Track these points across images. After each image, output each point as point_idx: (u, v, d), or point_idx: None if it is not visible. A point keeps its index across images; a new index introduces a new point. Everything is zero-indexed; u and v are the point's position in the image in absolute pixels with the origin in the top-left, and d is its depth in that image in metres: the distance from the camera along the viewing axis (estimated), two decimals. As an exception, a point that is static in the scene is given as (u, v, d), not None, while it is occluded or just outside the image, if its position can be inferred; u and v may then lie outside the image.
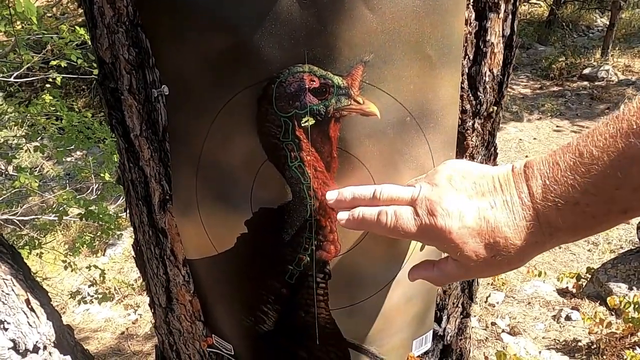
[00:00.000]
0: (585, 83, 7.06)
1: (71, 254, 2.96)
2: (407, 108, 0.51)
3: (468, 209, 0.43)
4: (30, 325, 0.66)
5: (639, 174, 0.34)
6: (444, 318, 0.70)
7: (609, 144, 0.35)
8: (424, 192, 0.45)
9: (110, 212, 2.60)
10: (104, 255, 4.64)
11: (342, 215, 0.50)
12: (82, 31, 2.30)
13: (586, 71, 7.20)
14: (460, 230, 0.42)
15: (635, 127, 0.34)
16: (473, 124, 0.60)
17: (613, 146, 0.35)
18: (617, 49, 7.71)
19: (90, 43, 0.62)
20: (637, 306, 2.36)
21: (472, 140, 0.61)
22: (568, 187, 0.37)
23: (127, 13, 0.54)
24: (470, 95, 0.58)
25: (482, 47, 0.56)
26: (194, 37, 0.49)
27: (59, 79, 2.64)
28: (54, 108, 2.54)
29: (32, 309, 0.68)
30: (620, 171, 0.35)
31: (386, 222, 0.46)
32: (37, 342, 0.68)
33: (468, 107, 0.58)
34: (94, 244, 3.29)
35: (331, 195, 0.51)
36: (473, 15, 0.54)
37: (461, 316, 0.74)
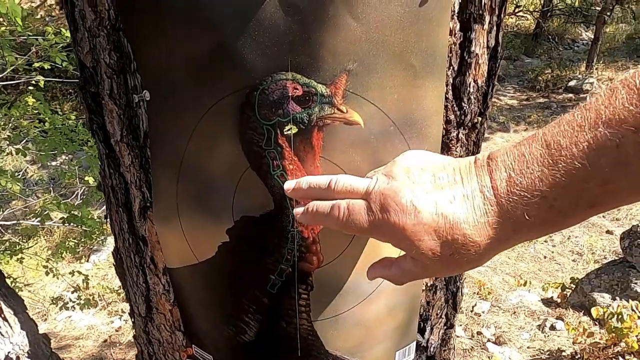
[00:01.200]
0: (571, 95, 7.18)
1: (54, 259, 2.91)
2: (390, 117, 0.50)
3: (424, 204, 0.40)
4: (2, 335, 0.64)
5: (608, 166, 0.32)
6: (428, 329, 0.70)
7: (577, 135, 0.33)
8: (379, 185, 0.43)
9: (95, 217, 2.56)
10: (87, 261, 4.57)
11: (298, 210, 0.48)
12: (67, 33, 2.28)
13: (571, 83, 7.32)
14: (415, 227, 0.40)
15: (604, 116, 0.32)
16: (457, 135, 0.60)
17: (582, 137, 0.33)
18: (601, 62, 7.86)
19: (72, 47, 0.61)
20: (620, 316, 2.38)
21: (456, 151, 0.61)
22: (535, 180, 0.35)
23: (109, 17, 0.53)
24: (455, 105, 0.58)
25: (466, 58, 0.56)
26: (176, 42, 0.49)
27: (41, 82, 2.60)
28: (37, 111, 2.50)
29: (4, 319, 0.66)
30: (589, 163, 0.33)
31: (338, 216, 0.44)
32: (9, 352, 0.66)
33: (452, 117, 0.58)
34: (78, 250, 3.24)
35: (288, 185, 0.49)
36: (458, 26, 0.54)
37: (445, 327, 0.74)
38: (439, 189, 0.40)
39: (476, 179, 0.39)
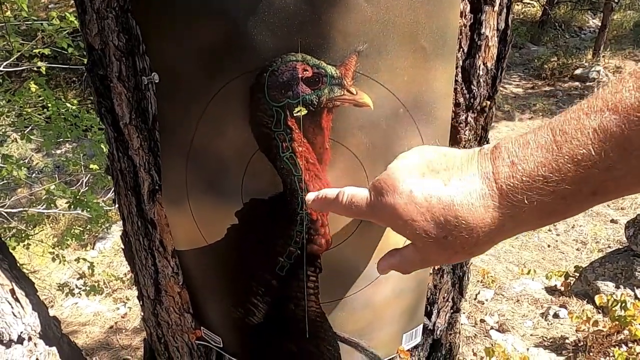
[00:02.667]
0: (577, 83, 7.11)
1: (60, 246, 2.93)
2: (400, 99, 0.50)
3: (418, 186, 0.40)
4: (15, 316, 0.65)
5: (612, 151, 0.32)
6: (434, 312, 0.70)
7: (582, 121, 0.33)
8: (379, 176, 0.44)
9: (99, 202, 2.58)
10: (93, 249, 4.60)
11: (310, 196, 0.50)
12: (72, 18, 2.26)
13: (578, 72, 7.25)
14: (407, 206, 0.40)
15: (610, 103, 0.32)
16: (466, 118, 0.60)
17: (587, 123, 0.33)
18: (608, 50, 7.77)
19: (80, 30, 0.61)
20: (623, 304, 2.39)
21: (465, 134, 0.60)
22: (538, 165, 0.35)
23: (117, -2, 0.53)
24: (464, 88, 0.58)
25: (476, 40, 0.56)
26: (185, 24, 0.49)
27: (43, 68, 2.59)
28: (41, 98, 2.50)
29: (16, 299, 0.66)
30: (593, 148, 0.33)
31: (342, 201, 0.46)
32: (21, 332, 0.67)
33: (462, 100, 0.58)
34: (83, 238, 3.26)
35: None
36: (468, 8, 0.54)
37: (451, 311, 0.74)
38: (434, 174, 0.41)
39: (477, 165, 0.39)
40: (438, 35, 0.50)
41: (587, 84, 7.00)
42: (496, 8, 0.56)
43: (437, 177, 0.40)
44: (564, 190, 0.35)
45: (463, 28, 0.54)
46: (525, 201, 0.36)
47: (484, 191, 0.38)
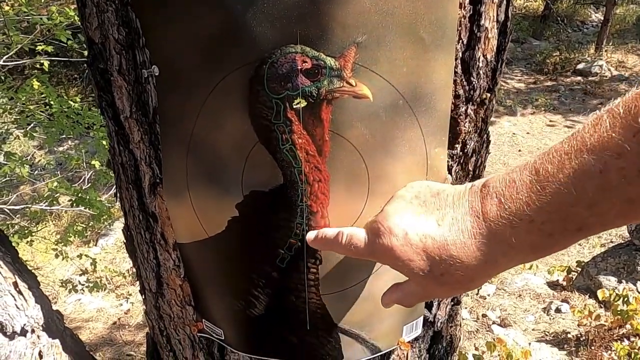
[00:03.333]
0: (579, 78, 7.09)
1: (62, 243, 2.94)
2: (399, 91, 0.50)
3: (413, 227, 0.42)
4: (18, 308, 0.65)
5: (592, 191, 0.33)
6: (435, 304, 0.70)
7: (563, 161, 0.35)
8: (376, 216, 0.46)
9: (102, 199, 2.58)
10: (95, 245, 4.62)
11: (310, 235, 0.53)
12: (71, 12, 2.26)
13: (580, 66, 7.23)
14: (403, 247, 0.42)
15: (588, 143, 0.33)
16: (466, 110, 0.60)
17: (567, 163, 0.34)
18: (611, 44, 7.74)
19: (80, 24, 0.61)
20: (625, 299, 2.39)
21: (464, 126, 0.60)
22: (523, 204, 0.37)
23: (117, -9, 0.53)
24: (464, 80, 0.58)
25: (476, 31, 0.56)
26: (185, 16, 0.49)
27: (46, 64, 2.60)
28: (43, 95, 2.50)
29: (19, 292, 0.67)
30: (574, 188, 0.34)
31: (341, 241, 0.48)
32: (24, 324, 0.67)
33: (461, 92, 0.58)
34: (86, 234, 3.27)
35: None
36: (467, -1, 0.54)
37: (452, 303, 0.75)
38: (428, 214, 0.43)
39: (468, 204, 0.41)
40: (437, 26, 0.50)
41: (590, 78, 6.97)
42: (496, 0, 0.56)
43: (430, 217, 0.43)
44: (550, 228, 0.36)
45: (462, 19, 0.54)
46: (514, 240, 0.38)
47: (474, 230, 0.39)
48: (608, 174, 0.32)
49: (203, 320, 0.69)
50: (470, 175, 0.66)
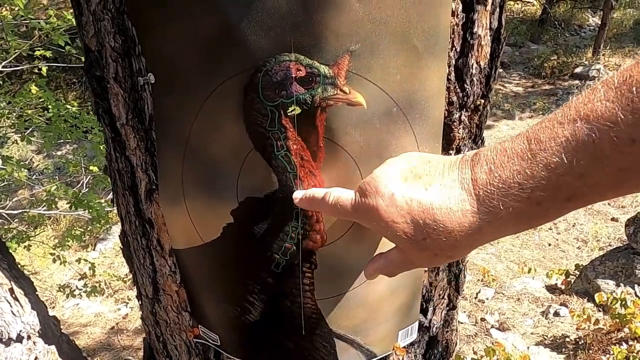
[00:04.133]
0: (577, 82, 7.11)
1: (61, 247, 2.94)
2: (393, 98, 0.51)
3: (399, 189, 0.42)
4: (14, 315, 0.65)
5: (584, 159, 0.33)
6: (430, 309, 0.70)
7: (556, 130, 0.35)
8: (366, 178, 0.46)
9: (100, 201, 2.59)
10: (94, 249, 4.61)
11: (297, 194, 0.52)
12: (69, 16, 2.26)
13: (578, 70, 7.25)
14: (388, 208, 0.42)
15: (582, 112, 0.33)
16: (460, 116, 0.60)
17: (560, 132, 0.34)
18: (608, 48, 7.77)
19: (77, 32, 0.62)
20: (623, 302, 2.39)
21: (459, 133, 0.61)
22: (513, 172, 0.36)
23: (113, 0, 0.53)
24: (457, 87, 0.58)
25: (469, 39, 0.56)
26: (180, 24, 0.49)
27: (44, 69, 2.60)
28: (41, 99, 2.51)
29: (15, 298, 0.67)
30: (566, 156, 0.34)
31: (328, 200, 0.48)
32: (20, 331, 0.67)
33: (455, 99, 0.58)
34: (84, 239, 3.27)
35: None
36: (460, 7, 0.54)
37: (447, 308, 0.75)
38: (416, 178, 0.43)
39: (457, 171, 0.41)
40: (430, 34, 0.50)
41: (587, 82, 6.99)
42: (489, 7, 0.57)
43: (418, 182, 0.42)
44: (539, 196, 0.36)
45: (455, 27, 0.55)
46: (501, 207, 0.37)
47: (462, 196, 0.39)
48: (601, 143, 0.32)
49: (199, 326, 0.69)
50: (464, 181, 0.66)
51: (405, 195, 0.42)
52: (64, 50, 2.44)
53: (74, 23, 0.64)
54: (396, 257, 0.47)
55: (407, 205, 0.41)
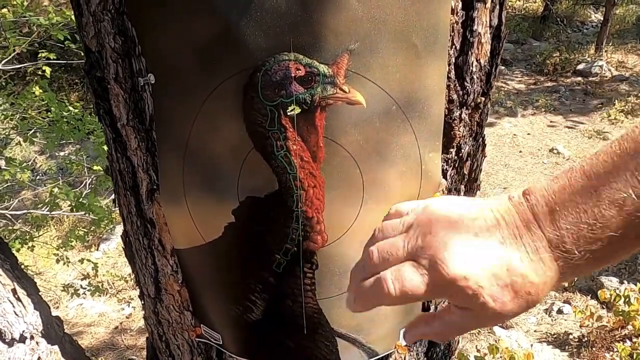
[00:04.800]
0: (579, 78, 7.08)
1: (64, 248, 2.95)
2: (392, 97, 0.51)
3: (476, 249, 0.37)
4: (17, 315, 0.66)
5: None
6: (432, 308, 0.70)
7: (617, 164, 0.32)
8: (420, 242, 0.39)
9: (102, 205, 2.59)
10: (97, 250, 4.62)
11: (349, 299, 0.44)
12: (68, 12, 2.25)
13: (580, 67, 7.22)
14: (473, 275, 0.36)
15: None
16: (460, 114, 0.60)
17: (623, 166, 0.32)
18: (611, 44, 7.74)
19: (78, 33, 0.62)
20: (627, 299, 2.38)
21: (459, 131, 0.61)
22: (580, 212, 0.34)
23: (113, 1, 0.53)
24: (457, 85, 0.58)
25: (469, 37, 0.56)
26: (180, 24, 0.49)
27: (47, 71, 2.60)
28: (44, 101, 2.51)
29: (18, 299, 0.67)
30: (634, 191, 0.32)
31: (389, 292, 0.38)
32: (23, 331, 0.68)
33: (455, 97, 0.58)
34: (87, 239, 3.28)
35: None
36: (460, 5, 0.54)
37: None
38: (485, 232, 0.38)
39: (518, 217, 0.37)
40: (429, 32, 0.50)
41: (590, 78, 6.97)
42: (488, 5, 0.56)
43: (491, 237, 0.37)
44: (610, 237, 0.34)
45: (455, 25, 0.54)
46: (575, 249, 0.35)
47: (536, 244, 0.36)
48: None
49: (201, 325, 0.70)
50: (465, 179, 0.66)
51: (486, 254, 0.37)
52: (66, 49, 2.43)
53: (73, 19, 0.64)
54: (462, 321, 0.39)
55: (491, 267, 0.37)
